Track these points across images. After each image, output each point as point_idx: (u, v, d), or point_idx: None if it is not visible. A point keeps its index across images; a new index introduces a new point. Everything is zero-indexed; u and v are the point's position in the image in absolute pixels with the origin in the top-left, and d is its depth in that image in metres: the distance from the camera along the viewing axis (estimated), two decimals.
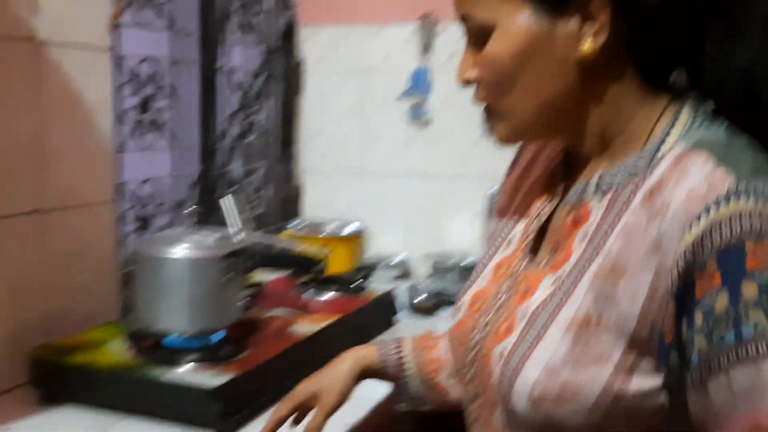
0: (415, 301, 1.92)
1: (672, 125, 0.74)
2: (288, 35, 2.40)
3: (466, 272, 2.15)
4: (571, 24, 0.72)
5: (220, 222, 1.87)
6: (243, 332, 1.43)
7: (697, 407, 0.67)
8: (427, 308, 1.93)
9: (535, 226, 0.85)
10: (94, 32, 1.59)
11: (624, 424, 0.71)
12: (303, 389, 1.04)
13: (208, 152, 2.07)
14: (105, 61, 1.63)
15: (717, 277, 0.64)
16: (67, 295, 1.53)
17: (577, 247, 0.75)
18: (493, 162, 2.22)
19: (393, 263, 2.28)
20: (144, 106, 1.83)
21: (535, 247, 0.84)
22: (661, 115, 0.75)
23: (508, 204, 0.94)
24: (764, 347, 0.62)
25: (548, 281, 0.77)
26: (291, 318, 1.60)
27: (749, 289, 0.62)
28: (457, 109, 2.27)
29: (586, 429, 0.71)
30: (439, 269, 2.17)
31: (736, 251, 0.63)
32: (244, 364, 1.33)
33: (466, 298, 0.90)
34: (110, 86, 1.65)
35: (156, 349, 1.35)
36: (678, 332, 0.67)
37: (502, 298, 0.83)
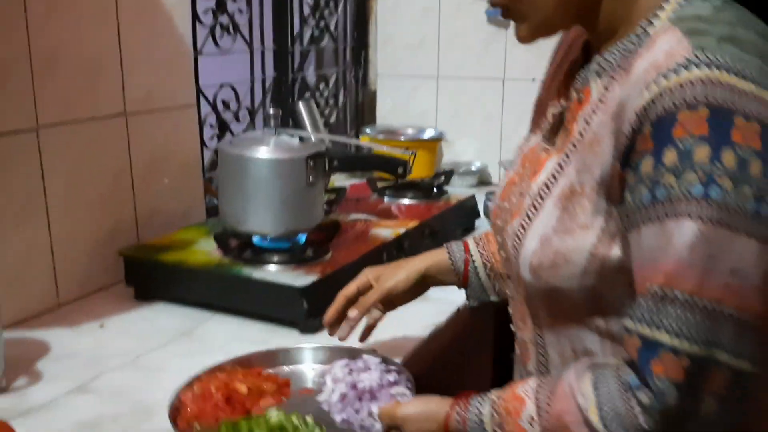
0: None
1: (661, 8, 0.77)
2: None
3: None
4: None
5: (297, 126, 1.87)
6: (326, 235, 1.44)
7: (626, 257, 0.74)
8: None
9: (554, 112, 0.89)
10: None
11: (617, 286, 0.76)
12: (368, 272, 1.11)
13: (282, 56, 2.05)
14: None
15: (649, 141, 0.69)
16: (155, 198, 1.56)
17: (577, 127, 0.81)
18: None
19: (469, 170, 2.25)
20: (220, 8, 1.81)
21: (554, 134, 0.88)
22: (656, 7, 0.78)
23: (545, 97, 0.96)
24: (671, 209, 0.67)
25: (554, 161, 0.84)
26: (372, 222, 1.60)
27: (670, 156, 0.67)
28: None
29: (584, 294, 0.78)
30: None
31: (669, 119, 0.67)
32: (327, 266, 1.34)
33: (501, 186, 0.97)
34: None
35: (243, 249, 1.38)
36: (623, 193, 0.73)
37: (522, 183, 0.89)
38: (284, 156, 1.32)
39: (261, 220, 1.34)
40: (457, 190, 1.99)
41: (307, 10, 2.19)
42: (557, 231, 0.79)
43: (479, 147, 2.32)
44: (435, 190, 1.83)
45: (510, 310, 1.00)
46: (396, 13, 2.37)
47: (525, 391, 0.80)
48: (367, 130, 2.14)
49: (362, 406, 0.96)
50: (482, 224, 1.87)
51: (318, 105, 2.15)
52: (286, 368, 1.10)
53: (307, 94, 2.21)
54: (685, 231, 0.66)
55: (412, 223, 1.60)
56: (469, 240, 1.16)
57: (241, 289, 1.30)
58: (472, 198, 1.87)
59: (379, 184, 1.85)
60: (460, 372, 1.73)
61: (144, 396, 1.06)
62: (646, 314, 0.69)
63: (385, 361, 1.04)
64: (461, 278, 1.12)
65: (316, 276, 1.29)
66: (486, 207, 1.91)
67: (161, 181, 1.57)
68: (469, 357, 1.70)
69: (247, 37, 1.91)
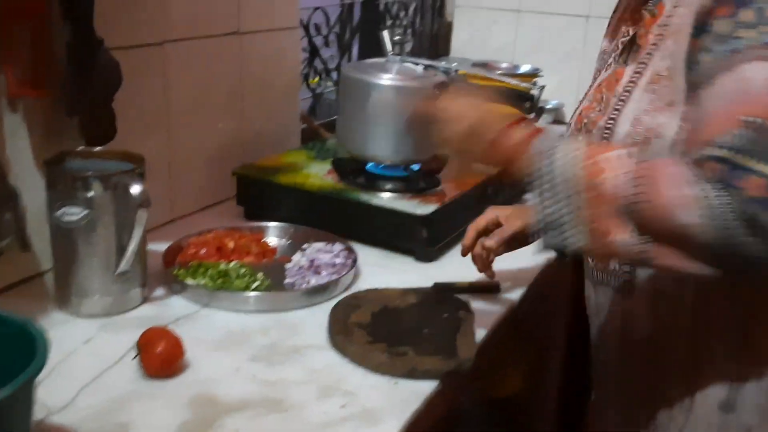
0: None
1: None
2: None
3: None
4: None
5: (381, 54, 1.86)
6: (436, 166, 1.45)
7: (691, 116, 0.81)
8: None
9: (623, 39, 0.97)
10: None
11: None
12: (495, 210, 1.17)
13: None
14: None
15: (727, 8, 0.78)
16: (259, 118, 1.57)
17: (652, 37, 0.89)
18: None
19: (547, 108, 2.23)
20: None
21: (627, 54, 0.96)
22: None
23: (617, 27, 1.03)
24: (750, 54, 0.75)
25: (632, 67, 0.92)
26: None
27: (747, 14, 0.77)
28: None
29: None
30: None
31: None
32: (442, 196, 1.36)
33: (575, 115, 1.04)
34: None
35: (358, 175, 1.39)
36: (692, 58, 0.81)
37: (603, 99, 0.97)
38: (410, 84, 1.32)
39: (382, 146, 1.35)
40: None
41: None
42: (648, 111, 0.87)
43: (556, 86, 2.30)
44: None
45: None
46: None
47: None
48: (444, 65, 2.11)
49: (309, 275, 1.18)
50: None
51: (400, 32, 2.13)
52: (285, 241, 1.31)
53: (389, 22, 2.19)
54: (765, 70, 0.74)
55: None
56: None
57: (360, 215, 1.32)
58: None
59: None
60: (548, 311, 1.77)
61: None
62: (734, 142, 0.71)
63: (348, 249, 1.24)
64: None
65: (435, 205, 1.30)
66: None
67: (266, 102, 1.57)
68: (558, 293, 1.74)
69: None
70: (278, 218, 1.38)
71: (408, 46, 2.31)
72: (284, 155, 1.53)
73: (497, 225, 1.16)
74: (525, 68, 2.03)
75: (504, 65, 2.04)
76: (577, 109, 1.06)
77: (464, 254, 1.16)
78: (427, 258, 1.30)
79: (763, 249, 0.69)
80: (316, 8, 1.83)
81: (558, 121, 2.26)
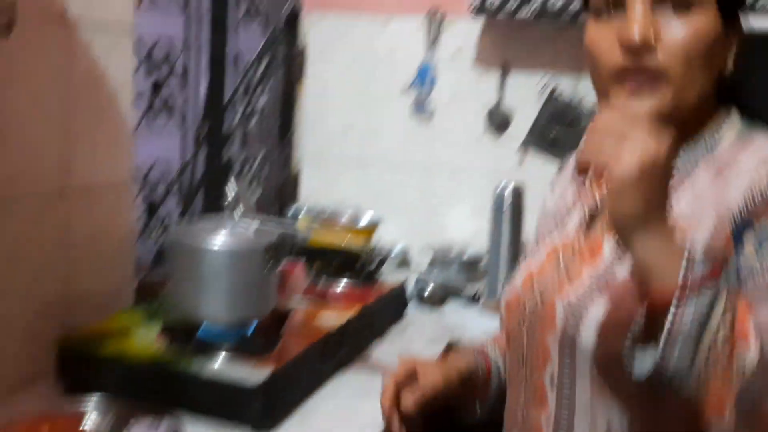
0: (426, 293, 1.94)
1: (725, 123, 0.93)
2: (292, 20, 2.38)
3: (468, 266, 2.18)
4: (730, 44, 0.90)
5: (228, 206, 1.86)
6: (273, 323, 1.42)
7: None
8: (437, 300, 1.95)
9: (595, 204, 0.99)
10: (120, 11, 1.54)
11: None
12: (411, 361, 1.10)
13: (214, 136, 2.04)
14: (128, 42, 1.58)
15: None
16: (87, 279, 1.49)
17: None
18: (494, 159, 2.28)
19: (393, 254, 2.29)
20: (156, 88, 1.79)
21: (590, 223, 0.98)
22: (723, 121, 0.94)
23: (580, 188, 1.05)
24: None
25: (608, 241, 0.91)
26: (315, 308, 1.59)
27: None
28: (461, 104, 2.29)
29: None
30: (440, 261, 2.19)
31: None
32: (279, 357, 1.32)
33: (520, 278, 1.03)
34: (131, 67, 1.61)
35: (189, 339, 1.33)
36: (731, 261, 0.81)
37: (562, 267, 0.96)
38: (241, 247, 1.30)
39: (214, 307, 1.31)
40: (384, 274, 2.01)
41: (238, 91, 2.20)
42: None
43: (402, 231, 2.38)
44: (372, 276, 1.85)
45: (513, 394, 1.02)
46: (325, 98, 2.42)
47: None
48: (292, 214, 2.14)
49: None
50: (411, 310, 1.91)
51: (245, 184, 2.14)
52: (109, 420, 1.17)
53: (235, 174, 2.20)
54: None
55: (354, 309, 1.60)
56: (486, 342, 1.21)
57: (188, 387, 1.25)
58: (404, 283, 1.90)
59: (314, 267, 1.85)
60: None
61: None
62: None
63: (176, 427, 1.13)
64: (485, 378, 1.13)
65: (269, 369, 1.26)
66: (415, 292, 1.95)
67: (96, 261, 1.50)
68: None
69: (183, 116, 1.89)
70: (103, 391, 1.29)
71: (254, 197, 2.32)
72: (113, 318, 1.45)
73: (414, 378, 1.09)
74: (366, 219, 2.08)
75: (345, 217, 2.08)
76: (518, 270, 1.06)
77: (388, 416, 1.06)
78: (263, 427, 1.24)
79: None
80: (153, 164, 1.81)
81: (403, 264, 2.31)
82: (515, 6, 2.01)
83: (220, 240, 1.30)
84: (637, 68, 0.85)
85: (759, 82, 1.00)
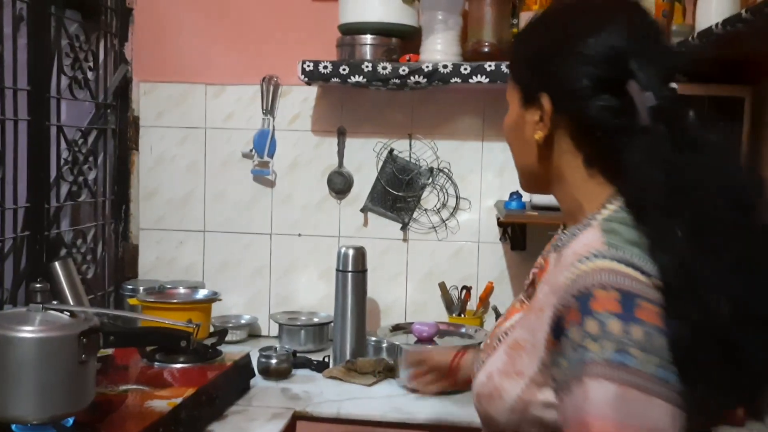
0: (272, 365, 1.89)
1: (606, 207, 0.94)
2: (123, 91, 2.31)
3: (316, 332, 2.16)
4: (532, 115, 0.97)
5: (53, 288, 1.74)
6: (95, 414, 1.33)
7: (559, 415, 0.86)
8: (283, 371, 1.91)
9: (534, 271, 1.06)
10: None
11: (535, 426, 0.90)
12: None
13: (38, 214, 1.92)
14: None
15: (575, 313, 0.83)
16: None
17: (537, 289, 0.98)
18: (337, 222, 2.29)
19: (239, 324, 2.23)
20: None
21: (532, 290, 1.04)
22: (606, 200, 0.94)
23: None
24: (593, 369, 0.80)
25: (520, 314, 1.01)
26: (144, 393, 1.51)
27: (591, 325, 0.81)
28: (302, 168, 2.30)
29: (507, 423, 0.92)
30: (287, 330, 2.16)
31: (587, 295, 0.83)
32: None
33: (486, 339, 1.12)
34: None
35: None
36: (554, 358, 0.86)
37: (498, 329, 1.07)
38: (53, 334, 1.21)
39: (25, 405, 1.20)
40: (228, 347, 1.95)
41: (64, 165, 2.09)
42: (500, 372, 0.94)
43: (248, 300, 2.33)
44: (209, 353, 1.78)
45: None
46: (161, 168, 2.35)
47: None
48: (131, 288, 2.04)
49: None
50: (257, 382, 1.85)
51: (75, 261, 2.02)
52: None
53: (64, 251, 2.07)
54: (606, 391, 0.79)
55: (189, 391, 1.53)
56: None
57: None
58: (247, 356, 1.85)
59: (149, 348, 1.76)
60: None
61: None
62: None
63: None
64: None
65: None
66: (260, 363, 1.90)
67: None
68: None
69: (1, 195, 1.77)
70: None
71: (90, 273, 2.20)
72: None
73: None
74: (204, 293, 2.02)
75: (182, 291, 2.01)
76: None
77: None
78: None
79: None
80: None
81: (252, 335, 2.25)
82: (347, 71, 2.05)
83: (28, 328, 1.21)
84: None
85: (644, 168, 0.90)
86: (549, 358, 0.87)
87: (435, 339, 1.94)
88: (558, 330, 0.85)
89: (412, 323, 1.97)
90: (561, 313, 0.84)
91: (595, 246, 0.86)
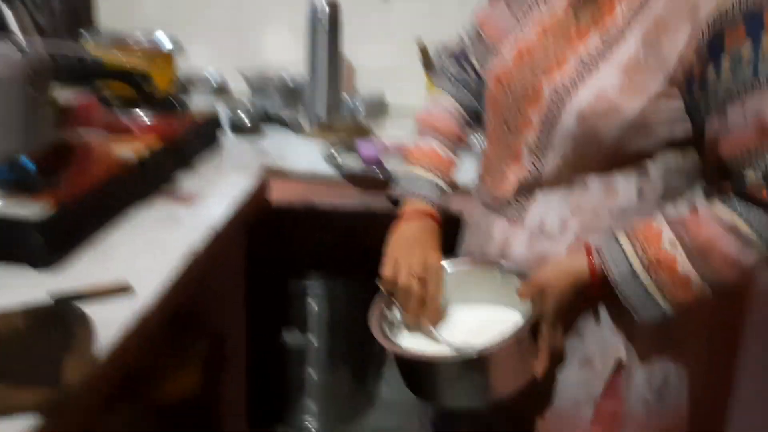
0: (242, 120, 1.82)
1: None
2: None
3: (287, 91, 2.06)
4: None
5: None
6: (57, 159, 1.26)
7: (715, 128, 0.91)
8: (253, 128, 1.84)
9: None
10: None
11: (646, 138, 0.94)
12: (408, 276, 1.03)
13: None
14: None
15: (743, 32, 0.86)
16: None
17: (620, 6, 0.96)
18: None
19: (202, 80, 2.11)
20: None
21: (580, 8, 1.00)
22: None
23: None
24: None
25: (595, 31, 0.97)
26: (113, 141, 1.43)
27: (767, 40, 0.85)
28: None
29: (618, 139, 0.93)
30: (257, 88, 2.05)
31: (758, 13, 0.86)
32: (65, 192, 1.18)
33: (509, 53, 1.05)
34: None
35: None
36: (704, 75, 0.89)
37: (551, 49, 1.00)
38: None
39: None
40: (195, 100, 1.86)
41: None
42: (616, 90, 0.92)
43: (215, 55, 2.19)
44: (175, 104, 1.69)
45: (493, 149, 1.07)
46: None
47: (658, 223, 0.92)
48: (88, 37, 1.89)
49: None
50: (227, 139, 1.79)
51: (26, 6, 1.84)
52: None
53: None
54: None
55: (155, 140, 1.46)
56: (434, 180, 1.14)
57: None
58: (215, 109, 1.77)
59: (113, 99, 1.65)
60: (218, 298, 1.69)
61: None
62: None
63: None
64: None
65: (48, 206, 1.12)
66: (230, 119, 1.82)
67: None
68: (224, 281, 1.66)
69: None
70: None
71: (41, 20, 2.02)
72: None
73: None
74: (167, 43, 1.87)
75: (145, 41, 1.86)
76: (505, 44, 1.06)
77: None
78: (46, 263, 1.12)
79: None
80: None
81: (219, 91, 2.14)
82: None
83: None
84: None
85: None
86: (689, 74, 0.89)
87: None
88: (710, 50, 0.87)
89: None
90: (713, 35, 0.87)
91: None
